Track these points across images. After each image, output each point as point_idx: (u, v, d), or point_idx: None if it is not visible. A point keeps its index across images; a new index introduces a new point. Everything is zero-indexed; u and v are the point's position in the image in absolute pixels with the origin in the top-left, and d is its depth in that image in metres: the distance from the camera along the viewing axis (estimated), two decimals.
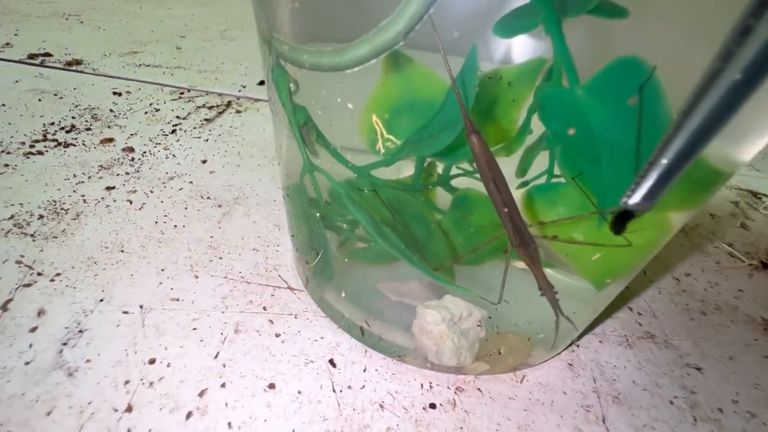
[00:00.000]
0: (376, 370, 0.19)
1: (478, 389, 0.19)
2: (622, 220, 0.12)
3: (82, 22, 0.51)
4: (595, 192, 0.16)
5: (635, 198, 0.11)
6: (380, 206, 0.17)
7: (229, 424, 0.16)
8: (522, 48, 0.14)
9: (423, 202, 0.19)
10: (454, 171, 0.18)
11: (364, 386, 0.19)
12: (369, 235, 0.19)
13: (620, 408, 0.20)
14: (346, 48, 0.14)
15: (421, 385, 0.19)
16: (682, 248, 0.31)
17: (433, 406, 0.18)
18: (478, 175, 0.16)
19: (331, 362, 0.19)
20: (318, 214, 0.18)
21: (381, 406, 0.18)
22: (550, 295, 0.17)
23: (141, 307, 0.20)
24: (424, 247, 0.18)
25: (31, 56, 0.41)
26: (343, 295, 0.20)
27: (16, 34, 0.45)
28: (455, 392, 0.19)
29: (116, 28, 0.51)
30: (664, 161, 0.10)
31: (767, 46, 0.07)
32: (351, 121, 0.16)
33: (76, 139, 0.31)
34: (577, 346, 0.22)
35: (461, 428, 0.18)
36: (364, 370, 0.19)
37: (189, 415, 0.16)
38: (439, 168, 0.18)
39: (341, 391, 0.18)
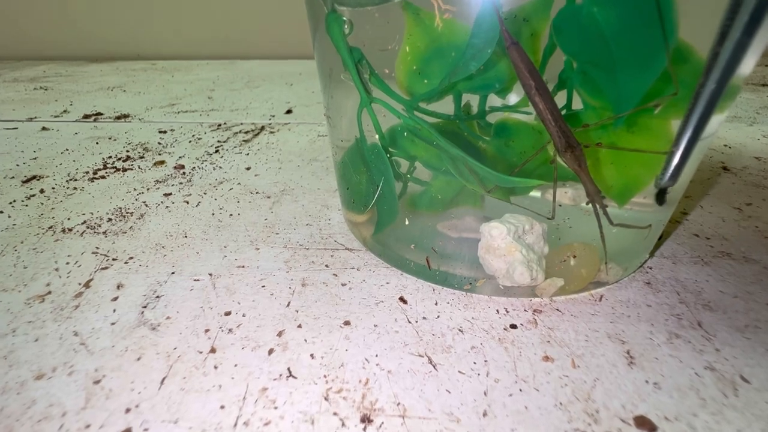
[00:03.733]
0: (448, 303, 0.19)
1: (557, 310, 0.18)
2: (661, 194, 0.18)
3: (124, 91, 0.57)
4: (611, 100, 0.16)
5: (665, 178, 0.16)
6: (434, 137, 0.18)
7: (312, 355, 0.16)
8: None
9: (468, 131, 0.19)
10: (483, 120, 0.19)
11: (439, 316, 0.18)
12: (429, 167, 0.19)
13: (714, 314, 0.18)
14: None
15: (497, 311, 0.18)
16: (734, 185, 0.30)
17: (513, 326, 0.18)
18: (510, 108, 0.17)
19: (402, 299, 0.19)
20: (378, 139, 0.19)
21: (460, 330, 0.17)
22: (599, 200, 0.17)
23: (210, 274, 0.21)
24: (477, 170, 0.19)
25: (86, 116, 0.46)
26: (405, 240, 0.20)
27: (71, 104, 0.51)
28: (533, 314, 0.18)
29: (154, 91, 0.57)
30: (678, 153, 0.15)
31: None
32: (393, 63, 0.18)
33: (132, 165, 0.33)
34: (650, 267, 0.21)
35: (548, 341, 0.17)
36: (436, 304, 0.19)
37: (271, 351, 0.16)
38: (473, 111, 0.19)
39: (417, 321, 0.18)
